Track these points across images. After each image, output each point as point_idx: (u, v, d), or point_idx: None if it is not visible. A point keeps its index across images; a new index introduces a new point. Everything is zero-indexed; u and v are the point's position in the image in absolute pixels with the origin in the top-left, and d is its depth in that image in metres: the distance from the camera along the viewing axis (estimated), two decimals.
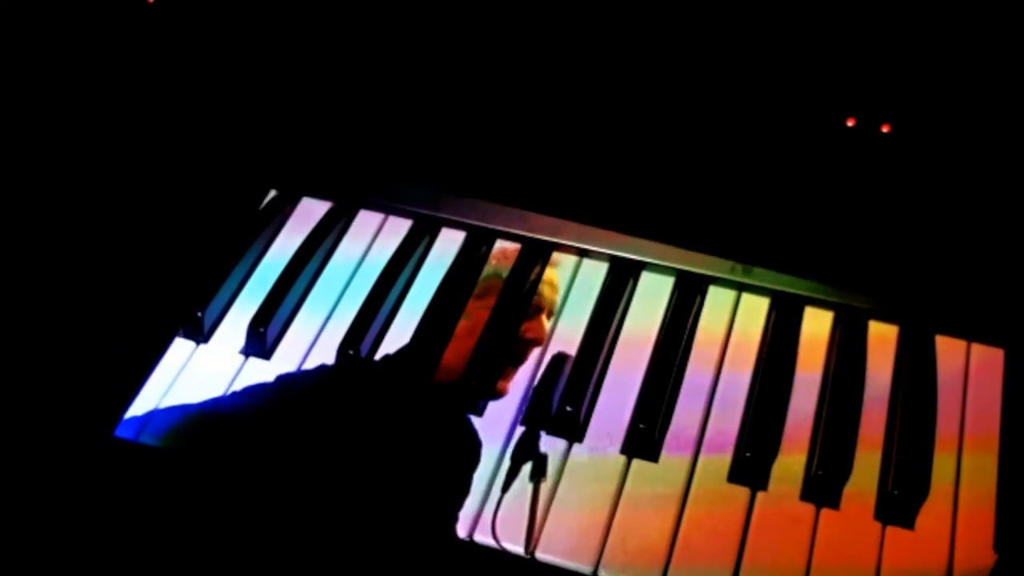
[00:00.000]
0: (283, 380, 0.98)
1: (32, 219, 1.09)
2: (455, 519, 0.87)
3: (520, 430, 0.93)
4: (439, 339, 1.00)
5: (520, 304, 1.02)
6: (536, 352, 0.99)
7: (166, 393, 0.97)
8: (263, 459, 0.92)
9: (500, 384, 0.96)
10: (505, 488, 0.88)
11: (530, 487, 0.88)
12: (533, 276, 1.04)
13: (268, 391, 0.97)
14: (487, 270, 1.06)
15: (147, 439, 0.94)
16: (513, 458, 0.90)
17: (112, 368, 0.99)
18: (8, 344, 1.00)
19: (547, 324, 1.01)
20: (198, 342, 1.01)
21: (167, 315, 1.02)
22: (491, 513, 0.87)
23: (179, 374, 0.99)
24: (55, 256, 1.07)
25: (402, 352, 0.99)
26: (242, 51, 1.19)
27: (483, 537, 0.87)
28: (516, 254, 1.06)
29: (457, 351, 0.98)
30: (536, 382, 0.96)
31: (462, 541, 0.87)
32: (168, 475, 0.93)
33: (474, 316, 1.01)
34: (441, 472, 0.91)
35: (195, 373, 0.99)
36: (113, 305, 1.03)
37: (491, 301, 1.02)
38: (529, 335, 1.00)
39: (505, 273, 1.04)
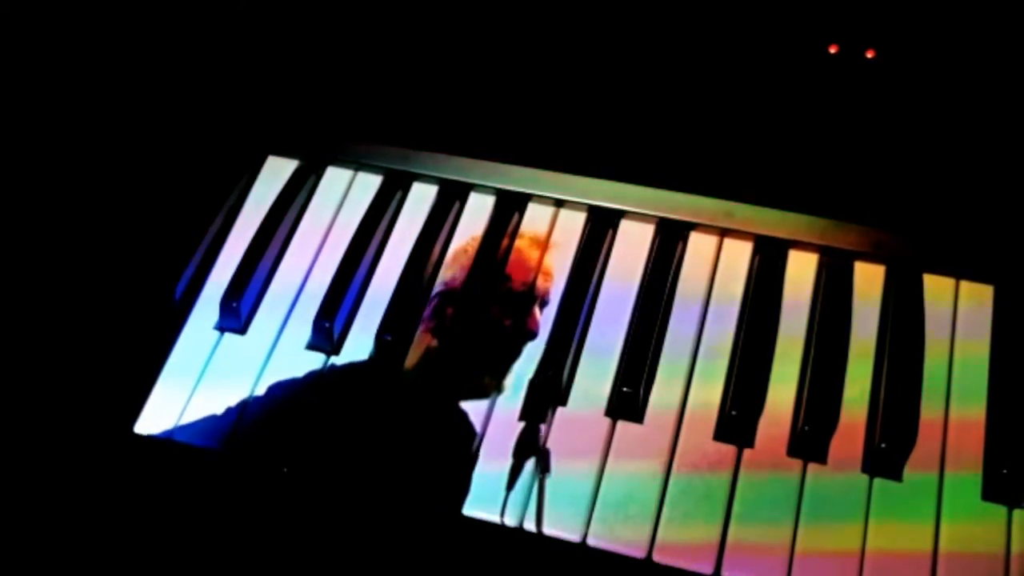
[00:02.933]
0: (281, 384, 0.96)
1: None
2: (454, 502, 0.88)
3: (520, 426, 0.91)
4: (415, 303, 0.98)
5: (497, 265, 0.99)
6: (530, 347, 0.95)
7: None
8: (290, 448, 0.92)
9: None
10: (509, 486, 0.87)
11: (535, 482, 0.88)
12: (509, 232, 1.01)
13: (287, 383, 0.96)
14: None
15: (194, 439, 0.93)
16: (515, 455, 0.89)
17: (108, 356, 0.98)
18: None
19: (539, 316, 0.96)
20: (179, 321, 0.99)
21: (145, 296, 1.00)
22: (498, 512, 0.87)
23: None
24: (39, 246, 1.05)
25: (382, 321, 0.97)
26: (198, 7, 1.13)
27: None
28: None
29: None
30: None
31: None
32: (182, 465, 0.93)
33: None
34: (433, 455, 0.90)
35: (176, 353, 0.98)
36: (89, 293, 1.01)
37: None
38: (523, 327, 0.95)
39: None
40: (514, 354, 0.94)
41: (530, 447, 0.89)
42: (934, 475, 0.86)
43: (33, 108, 1.11)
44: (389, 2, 1.10)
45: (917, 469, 0.86)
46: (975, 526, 0.83)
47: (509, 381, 0.93)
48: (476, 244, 1.01)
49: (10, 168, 1.08)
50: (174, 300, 0.99)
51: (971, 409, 0.89)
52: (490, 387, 0.93)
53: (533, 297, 0.97)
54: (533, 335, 0.95)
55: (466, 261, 1.00)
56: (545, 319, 0.96)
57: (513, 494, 0.87)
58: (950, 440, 0.88)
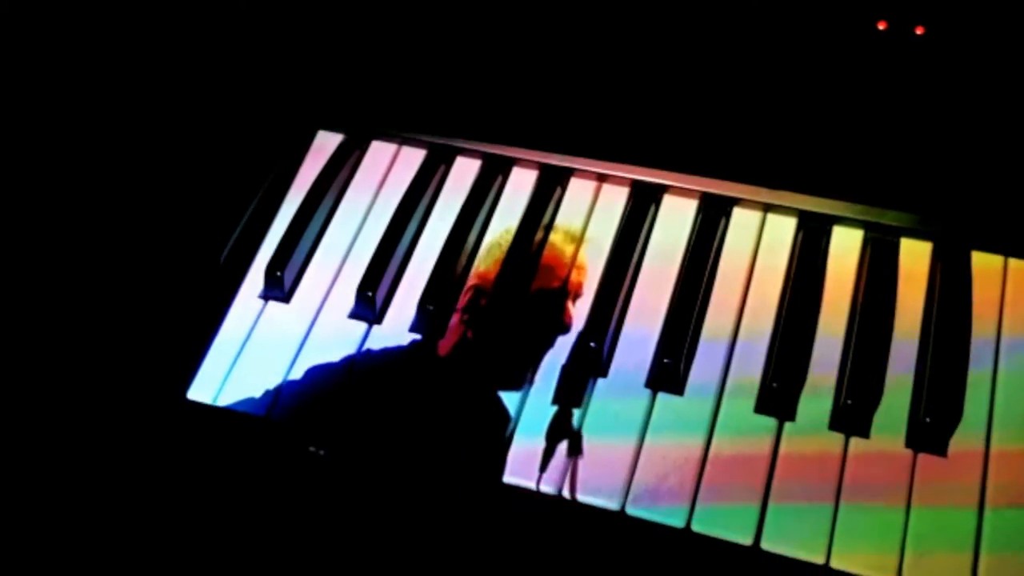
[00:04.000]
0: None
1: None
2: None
3: (554, 410, 0.91)
4: (457, 275, 0.99)
5: (532, 257, 0.99)
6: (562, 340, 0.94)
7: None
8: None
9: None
10: (543, 468, 0.87)
11: (568, 464, 0.88)
12: (551, 207, 1.02)
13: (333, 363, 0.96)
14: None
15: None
16: (548, 438, 0.89)
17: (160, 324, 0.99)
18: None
19: (572, 310, 0.96)
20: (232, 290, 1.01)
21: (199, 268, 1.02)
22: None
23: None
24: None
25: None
26: None
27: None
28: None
29: None
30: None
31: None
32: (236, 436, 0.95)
33: None
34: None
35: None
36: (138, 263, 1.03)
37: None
38: (556, 320, 0.95)
39: None
40: (546, 347, 0.94)
41: (563, 430, 0.90)
42: (980, 452, 0.85)
43: (103, 88, 1.14)
44: None
45: (961, 445, 0.85)
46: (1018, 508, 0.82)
47: (541, 373, 0.93)
48: (510, 237, 1.01)
49: (85, 145, 1.11)
50: (220, 268, 1.01)
51: (1018, 386, 0.87)
52: (522, 379, 0.93)
53: (566, 291, 0.97)
54: (566, 328, 0.95)
55: (500, 254, 1.00)
56: (578, 313, 0.96)
57: (546, 475, 0.88)
58: (995, 417, 0.87)
